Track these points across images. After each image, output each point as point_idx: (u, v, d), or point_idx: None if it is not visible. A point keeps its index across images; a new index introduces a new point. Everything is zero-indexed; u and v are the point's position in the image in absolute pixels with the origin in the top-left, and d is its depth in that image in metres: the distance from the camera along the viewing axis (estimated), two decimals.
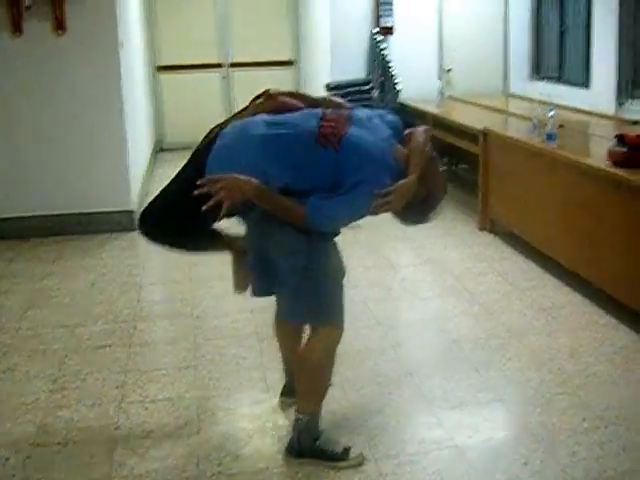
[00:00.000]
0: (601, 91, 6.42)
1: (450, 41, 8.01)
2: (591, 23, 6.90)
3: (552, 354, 3.92)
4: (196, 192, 2.58)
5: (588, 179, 4.50)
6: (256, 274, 3.02)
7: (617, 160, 4.34)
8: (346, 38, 7.75)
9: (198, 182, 2.60)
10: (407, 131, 2.90)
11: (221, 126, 2.89)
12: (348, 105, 3.02)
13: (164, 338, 4.23)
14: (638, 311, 4.15)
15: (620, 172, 4.21)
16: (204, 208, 2.57)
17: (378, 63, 7.53)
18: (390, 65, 7.56)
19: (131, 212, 6.08)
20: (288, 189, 2.68)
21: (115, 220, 6.15)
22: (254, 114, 2.93)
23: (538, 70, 8.07)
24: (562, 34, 7.54)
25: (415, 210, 2.89)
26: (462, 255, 5.53)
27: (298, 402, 3.04)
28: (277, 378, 3.58)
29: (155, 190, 3.03)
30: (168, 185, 2.95)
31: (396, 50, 7.66)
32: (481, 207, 6.01)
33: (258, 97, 3.01)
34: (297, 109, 2.91)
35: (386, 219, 3.04)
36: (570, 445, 3.09)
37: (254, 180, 2.61)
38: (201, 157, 2.80)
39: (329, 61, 7.86)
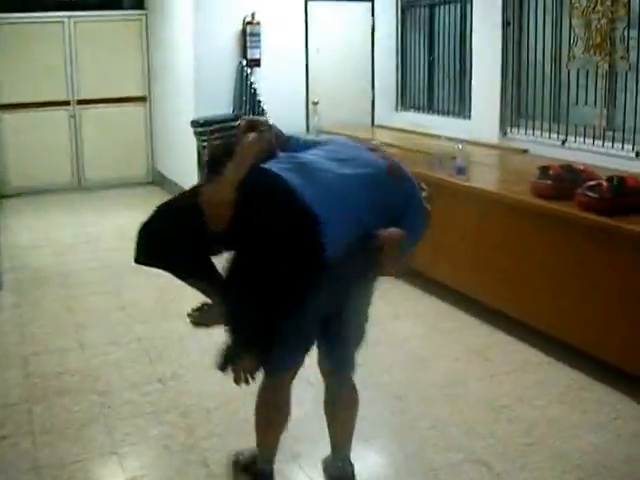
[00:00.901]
0: (483, 120, 6.38)
1: (317, 73, 7.80)
2: (466, 53, 6.90)
3: (502, 400, 3.71)
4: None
5: (510, 213, 4.38)
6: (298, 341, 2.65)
7: (542, 193, 4.25)
8: (211, 71, 7.35)
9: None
10: None
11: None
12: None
13: (71, 421, 3.62)
14: (572, 345, 4.04)
15: (551, 205, 4.10)
16: None
17: (247, 97, 7.18)
18: (260, 99, 7.23)
19: None
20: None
21: None
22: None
23: (404, 100, 8.02)
24: (431, 64, 7.51)
25: None
26: None
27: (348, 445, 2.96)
28: (218, 459, 3.17)
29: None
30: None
31: (264, 83, 7.34)
32: None
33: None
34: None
35: None
36: None
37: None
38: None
39: (192, 96, 7.41)
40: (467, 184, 4.77)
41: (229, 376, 2.53)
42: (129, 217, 7.67)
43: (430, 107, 7.62)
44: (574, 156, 5.29)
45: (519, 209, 4.32)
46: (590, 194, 3.93)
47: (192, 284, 2.60)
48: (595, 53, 5.28)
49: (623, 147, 5.17)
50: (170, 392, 3.90)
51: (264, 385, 2.72)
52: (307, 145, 2.67)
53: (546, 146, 5.84)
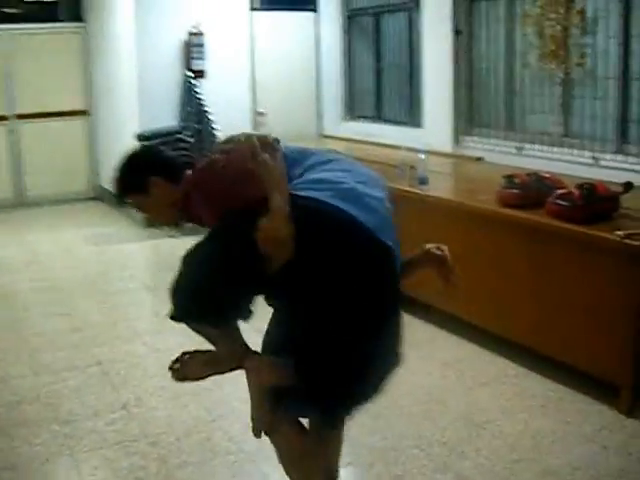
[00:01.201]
0: (436, 129, 6.34)
1: (263, 83, 7.67)
2: (414, 62, 6.88)
3: (483, 415, 3.63)
4: None
5: (478, 223, 4.32)
6: None
7: (509, 202, 4.20)
8: (155, 83, 7.17)
9: None
10: None
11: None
12: None
13: (34, 456, 3.39)
14: (548, 356, 4.00)
15: (522, 214, 4.06)
16: None
17: (193, 108, 7.01)
18: (206, 110, 7.07)
19: None
20: None
21: None
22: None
23: (351, 110, 7.94)
24: (379, 73, 7.45)
25: None
26: None
27: None
28: None
29: None
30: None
31: (209, 94, 7.18)
32: None
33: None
34: None
35: None
36: None
37: None
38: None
39: (136, 109, 7.20)
40: (432, 194, 4.70)
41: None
42: (74, 234, 7.45)
43: (378, 116, 7.56)
44: (531, 163, 5.29)
45: (487, 219, 4.26)
46: (561, 202, 3.89)
47: (209, 332, 2.27)
48: (550, 61, 5.28)
49: (582, 153, 5.17)
50: (137, 419, 3.71)
51: (315, 438, 2.38)
52: (296, 159, 2.34)
53: (501, 154, 5.83)
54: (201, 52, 7.18)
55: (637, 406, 3.61)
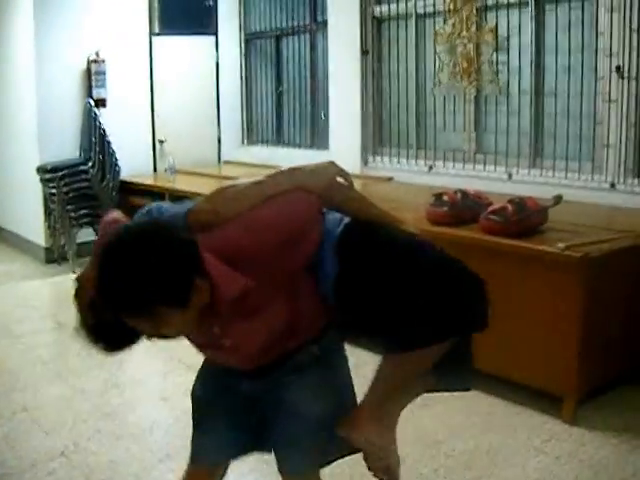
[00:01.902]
0: (343, 151, 6.34)
1: (163, 110, 7.52)
2: (317, 84, 6.95)
3: (434, 435, 3.65)
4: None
5: None
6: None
7: (439, 220, 4.24)
8: (56, 113, 6.86)
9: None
10: None
11: None
12: None
13: None
14: (487, 372, 4.03)
15: (456, 232, 4.10)
16: None
17: (96, 138, 6.78)
18: (109, 141, 6.86)
19: None
20: None
21: None
22: None
23: (250, 134, 7.90)
24: (279, 96, 7.44)
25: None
26: None
27: None
28: None
29: None
30: None
31: (110, 123, 6.96)
32: None
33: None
34: None
35: None
36: None
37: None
38: None
39: (36, 141, 6.90)
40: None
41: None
42: None
43: (279, 140, 7.55)
44: (442, 181, 5.40)
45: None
46: (495, 218, 3.96)
47: None
48: (462, 78, 5.40)
49: (495, 169, 5.30)
50: (79, 467, 3.49)
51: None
52: None
53: (412, 173, 5.91)
54: (103, 80, 6.96)
55: (580, 415, 3.70)
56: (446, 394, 3.45)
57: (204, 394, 2.22)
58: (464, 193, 4.37)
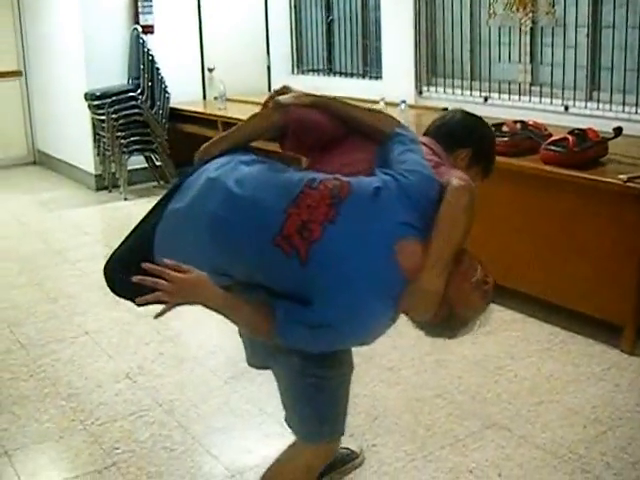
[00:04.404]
0: (396, 81, 6.29)
1: (211, 39, 7.47)
2: (368, 12, 6.83)
3: (494, 362, 3.69)
4: (135, 278, 1.79)
5: None
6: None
7: (499, 150, 4.09)
8: (102, 40, 6.87)
9: (143, 265, 1.81)
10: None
11: (190, 169, 2.13)
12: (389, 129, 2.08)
13: (46, 433, 3.25)
14: (544, 301, 4.08)
15: (516, 162, 4.08)
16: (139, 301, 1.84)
17: (145, 65, 6.77)
18: (158, 67, 6.85)
19: None
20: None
21: None
22: (250, 137, 2.23)
23: (300, 63, 7.82)
24: (329, 25, 7.34)
25: (434, 326, 2.03)
26: None
27: None
28: (227, 452, 2.97)
29: None
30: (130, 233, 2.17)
31: (158, 50, 6.94)
32: None
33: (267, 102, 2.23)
34: (318, 130, 2.12)
35: None
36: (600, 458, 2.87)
37: (217, 290, 1.87)
38: (154, 215, 2.09)
39: (82, 67, 6.90)
40: None
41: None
42: (23, 200, 7.16)
43: (330, 69, 7.47)
44: (498, 113, 5.32)
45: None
46: (556, 149, 3.93)
47: None
48: (517, 9, 5.29)
49: (551, 102, 5.22)
50: (144, 388, 3.60)
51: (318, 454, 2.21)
52: None
53: (467, 104, 5.81)
54: (150, 6, 6.92)
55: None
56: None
57: None
58: (524, 123, 4.34)
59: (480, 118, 2.38)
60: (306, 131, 2.14)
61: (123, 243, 2.16)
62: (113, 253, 2.18)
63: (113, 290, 2.17)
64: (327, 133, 2.13)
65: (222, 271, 1.95)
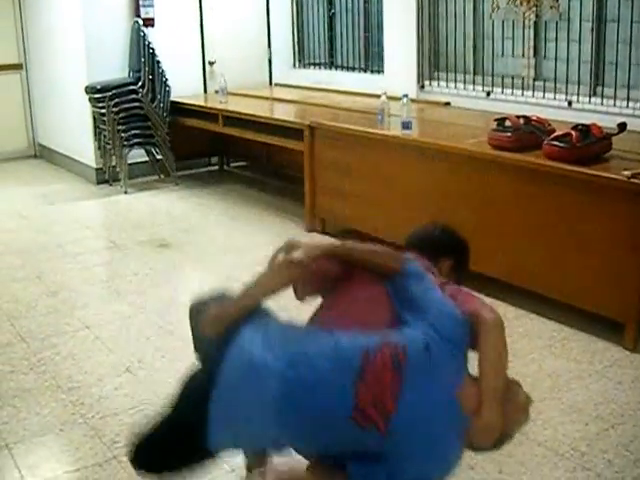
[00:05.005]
0: (398, 75, 6.26)
1: (212, 32, 7.44)
2: (370, 6, 6.81)
3: None
4: None
5: (472, 167, 4.31)
6: None
7: (503, 145, 4.20)
8: (103, 33, 6.84)
9: None
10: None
11: (212, 349, 2.09)
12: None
13: (47, 425, 3.25)
14: (546, 297, 4.06)
15: (519, 157, 4.07)
16: None
17: (145, 59, 6.74)
18: (159, 60, 6.82)
19: None
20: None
21: None
22: (265, 297, 2.18)
23: (302, 57, 7.80)
24: (331, 19, 7.31)
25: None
26: None
27: None
28: None
29: None
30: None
31: (159, 43, 6.92)
32: (309, 207, 5.59)
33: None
34: (328, 276, 2.19)
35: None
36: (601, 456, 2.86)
37: None
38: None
39: (83, 60, 6.88)
40: (420, 139, 4.66)
41: None
42: (24, 193, 7.15)
43: (332, 63, 7.45)
44: (501, 107, 5.33)
45: (484, 163, 4.24)
46: (559, 144, 3.91)
47: None
48: (521, 3, 5.27)
49: (555, 97, 5.20)
50: (145, 382, 3.59)
51: None
52: None
53: (469, 98, 5.83)
54: None
55: None
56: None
57: None
58: (527, 118, 4.32)
59: (456, 231, 2.52)
60: (317, 280, 2.21)
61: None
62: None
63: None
64: (336, 277, 2.20)
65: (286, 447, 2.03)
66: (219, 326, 2.11)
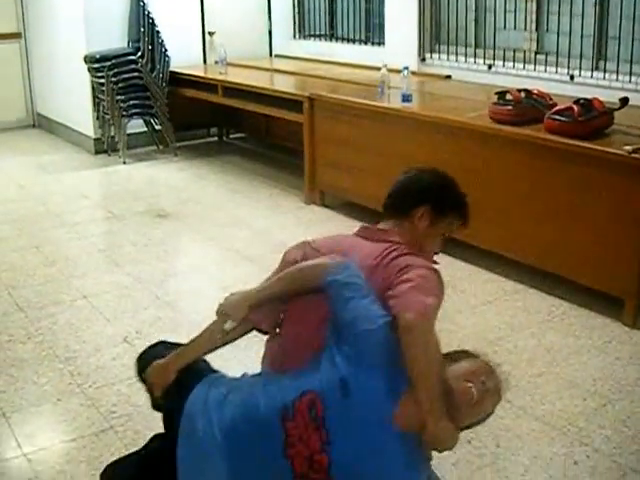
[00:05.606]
0: (399, 47, 6.20)
1: (212, 3, 7.36)
2: None
3: (494, 332, 3.68)
4: None
5: (473, 140, 4.28)
6: None
7: (503, 119, 4.17)
8: (102, 2, 6.77)
9: None
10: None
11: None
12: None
13: (44, 396, 3.24)
14: (546, 272, 4.05)
15: (521, 131, 4.03)
16: None
17: (145, 29, 6.67)
18: (158, 31, 6.76)
19: None
20: None
21: None
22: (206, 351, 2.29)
23: (302, 28, 7.72)
24: None
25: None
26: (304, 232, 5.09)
27: None
28: None
29: None
30: None
31: (157, 13, 6.84)
32: (308, 180, 5.57)
33: None
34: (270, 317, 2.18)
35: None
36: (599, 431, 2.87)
37: None
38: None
39: (82, 29, 6.81)
40: (421, 112, 4.63)
41: None
42: (18, 163, 7.11)
43: (332, 35, 7.38)
44: (502, 81, 5.30)
45: (485, 136, 4.21)
46: (561, 118, 3.88)
47: None
48: None
49: (557, 70, 5.16)
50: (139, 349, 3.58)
51: None
52: None
53: (470, 71, 5.78)
54: None
55: None
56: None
57: None
58: (528, 92, 4.29)
59: (433, 169, 2.26)
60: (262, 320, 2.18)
61: None
62: None
63: None
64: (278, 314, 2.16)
65: None
66: (162, 381, 2.14)
